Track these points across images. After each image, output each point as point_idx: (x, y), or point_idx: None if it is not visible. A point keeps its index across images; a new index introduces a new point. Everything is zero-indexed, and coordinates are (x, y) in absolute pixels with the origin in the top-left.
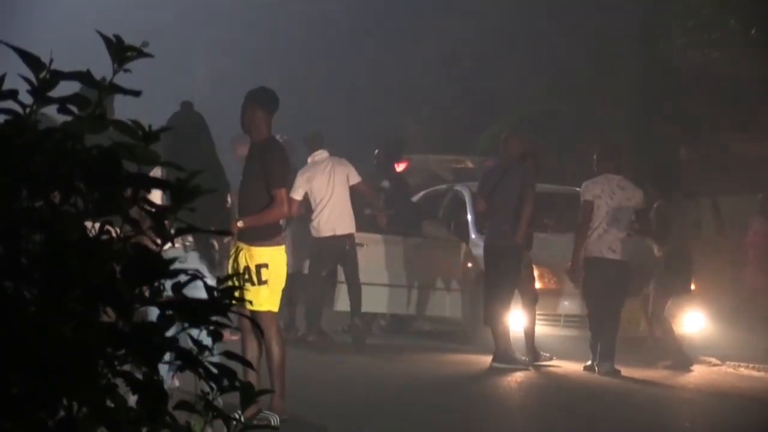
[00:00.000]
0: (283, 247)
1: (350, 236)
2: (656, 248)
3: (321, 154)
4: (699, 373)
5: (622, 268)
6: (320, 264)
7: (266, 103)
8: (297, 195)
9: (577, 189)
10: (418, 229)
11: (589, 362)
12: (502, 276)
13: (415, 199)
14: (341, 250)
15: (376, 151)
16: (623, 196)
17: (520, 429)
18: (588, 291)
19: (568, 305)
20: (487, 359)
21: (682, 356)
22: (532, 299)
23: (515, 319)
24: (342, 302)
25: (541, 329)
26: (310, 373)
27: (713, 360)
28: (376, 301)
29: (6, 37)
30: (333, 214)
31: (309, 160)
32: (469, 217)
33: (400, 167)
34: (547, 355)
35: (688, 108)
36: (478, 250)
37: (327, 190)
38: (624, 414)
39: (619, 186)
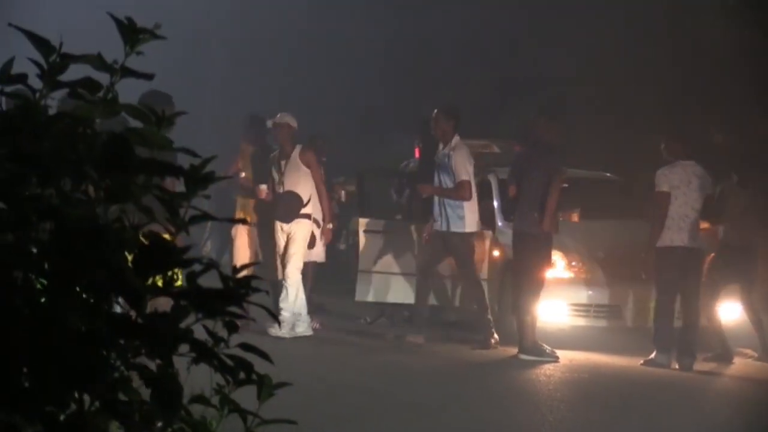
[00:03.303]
0: None
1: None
2: (721, 232)
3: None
4: (738, 366)
5: (700, 257)
6: None
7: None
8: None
9: (608, 174)
10: None
11: (652, 356)
12: (532, 264)
13: None
14: None
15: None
16: (698, 183)
17: (548, 423)
18: (665, 282)
19: (598, 295)
20: (515, 351)
21: (725, 348)
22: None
23: (543, 310)
24: (362, 292)
25: (572, 320)
26: (329, 362)
27: (749, 352)
28: (399, 291)
29: (15, 20)
30: None
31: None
32: (495, 203)
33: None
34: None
35: (724, 91)
36: (505, 239)
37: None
38: (660, 407)
39: (694, 173)
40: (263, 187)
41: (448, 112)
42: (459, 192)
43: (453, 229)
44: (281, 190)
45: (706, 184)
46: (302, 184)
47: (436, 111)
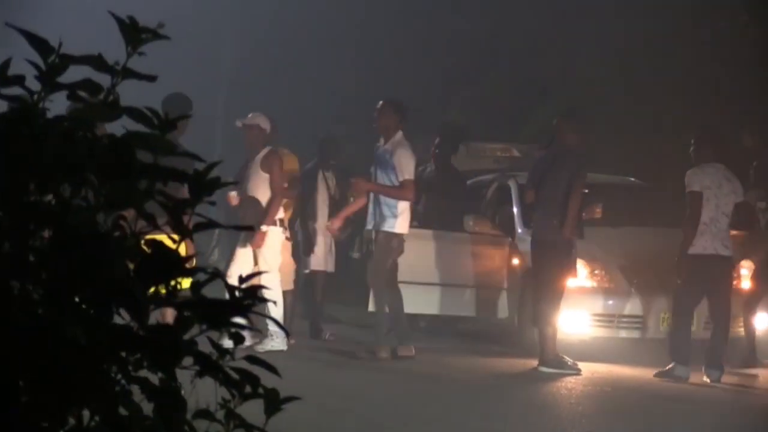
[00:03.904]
0: None
1: None
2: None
3: None
4: (765, 378)
5: (731, 265)
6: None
7: None
8: None
9: (633, 179)
10: (460, 224)
11: (669, 367)
12: (551, 273)
13: None
14: None
15: (437, 139)
16: (730, 187)
17: None
18: (689, 289)
19: (622, 305)
20: (536, 363)
21: (752, 356)
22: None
23: (565, 321)
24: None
25: (595, 331)
26: (340, 374)
27: None
28: (416, 301)
29: (15, 21)
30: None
31: None
32: (515, 210)
33: None
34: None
35: (751, 92)
36: (525, 246)
37: None
38: (684, 421)
39: (725, 177)
40: (233, 193)
41: (395, 106)
42: (402, 192)
43: (383, 227)
44: (244, 197)
45: (737, 188)
46: (262, 190)
47: (382, 103)
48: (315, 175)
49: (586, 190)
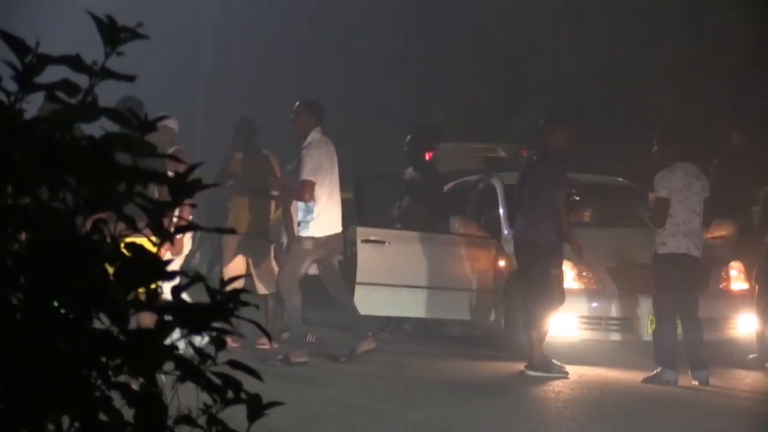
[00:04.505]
0: None
1: None
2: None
3: None
4: (755, 380)
5: (699, 265)
6: None
7: None
8: None
9: (620, 180)
10: (445, 225)
11: (656, 372)
12: (537, 275)
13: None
14: None
15: (408, 138)
16: (699, 185)
17: None
18: (664, 290)
19: (610, 307)
20: (522, 366)
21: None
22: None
23: (552, 324)
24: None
25: (582, 334)
26: (322, 379)
27: None
28: (400, 304)
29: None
30: None
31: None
32: (501, 211)
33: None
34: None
35: (741, 90)
36: (512, 248)
37: None
38: (674, 424)
39: (694, 175)
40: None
41: (310, 107)
42: (298, 193)
43: (300, 233)
44: None
45: (705, 186)
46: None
47: (297, 104)
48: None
49: (578, 198)
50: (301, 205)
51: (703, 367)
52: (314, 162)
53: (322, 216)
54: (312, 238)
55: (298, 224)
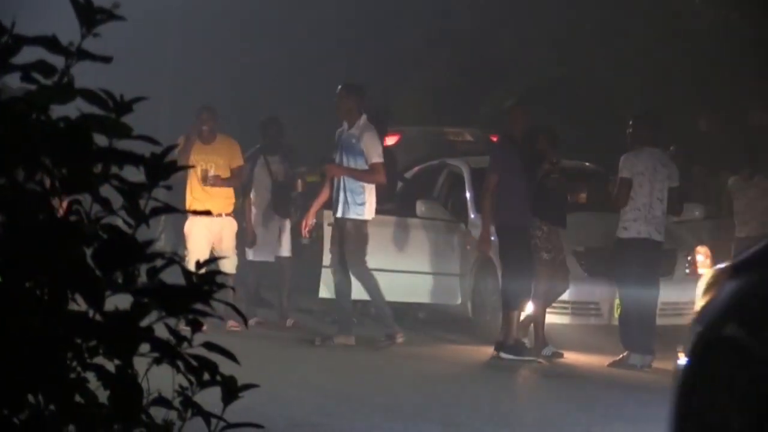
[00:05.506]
0: None
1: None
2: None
3: None
4: None
5: (660, 250)
6: None
7: None
8: None
9: (588, 164)
10: (411, 209)
11: (623, 355)
12: (513, 258)
13: (408, 175)
14: None
15: None
16: (665, 173)
17: (524, 425)
18: (626, 274)
19: (577, 291)
20: (491, 350)
21: None
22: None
23: (531, 307)
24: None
25: (549, 318)
26: (295, 362)
27: None
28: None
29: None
30: None
31: None
32: (468, 195)
33: (390, 141)
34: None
35: (707, 75)
36: (478, 231)
37: None
38: (641, 408)
39: (660, 161)
40: None
41: (355, 89)
42: (374, 175)
43: (350, 215)
44: None
45: (672, 174)
46: None
47: (341, 87)
48: (255, 161)
49: (555, 176)
50: (352, 188)
51: (649, 352)
52: (376, 143)
53: (371, 200)
54: (366, 222)
55: (340, 207)
